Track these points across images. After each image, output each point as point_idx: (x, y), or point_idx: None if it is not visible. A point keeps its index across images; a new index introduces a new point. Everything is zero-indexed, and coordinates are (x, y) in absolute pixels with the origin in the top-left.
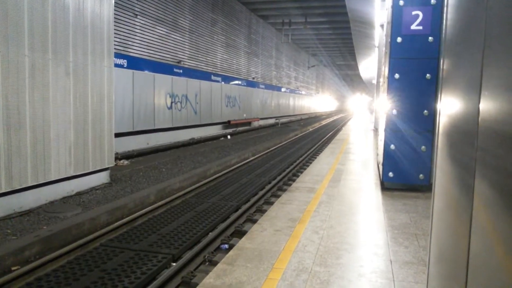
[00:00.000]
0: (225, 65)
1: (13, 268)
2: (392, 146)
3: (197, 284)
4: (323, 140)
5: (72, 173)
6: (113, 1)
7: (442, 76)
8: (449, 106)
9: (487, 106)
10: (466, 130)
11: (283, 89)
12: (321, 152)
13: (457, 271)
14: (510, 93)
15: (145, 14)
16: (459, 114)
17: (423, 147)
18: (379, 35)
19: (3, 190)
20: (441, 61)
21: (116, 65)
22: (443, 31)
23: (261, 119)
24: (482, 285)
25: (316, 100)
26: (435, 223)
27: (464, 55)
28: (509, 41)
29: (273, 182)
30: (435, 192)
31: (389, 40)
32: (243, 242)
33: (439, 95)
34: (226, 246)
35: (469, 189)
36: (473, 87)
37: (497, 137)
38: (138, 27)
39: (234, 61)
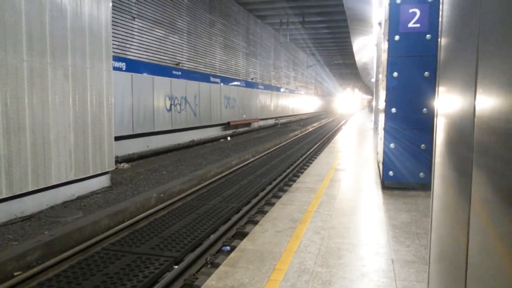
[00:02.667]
0: (223, 66)
1: (15, 274)
2: (392, 145)
3: (199, 287)
4: (323, 139)
5: (73, 177)
6: (111, 4)
7: (438, 74)
8: (446, 104)
9: (482, 103)
10: (463, 127)
11: (282, 89)
12: (321, 152)
13: (457, 269)
14: (505, 90)
15: (143, 17)
16: (455, 111)
17: (422, 145)
18: (377, 33)
19: (3, 196)
20: (438, 59)
21: (115, 68)
22: (439, 29)
23: (261, 119)
24: (481, 283)
25: (315, 100)
26: (435, 222)
27: (459, 52)
28: (503, 39)
29: (274, 183)
30: (434, 190)
31: (387, 38)
32: (244, 244)
33: (436, 93)
34: (228, 248)
35: (466, 187)
36: (468, 84)
37: (493, 134)
38: (136, 30)
39: (233, 62)
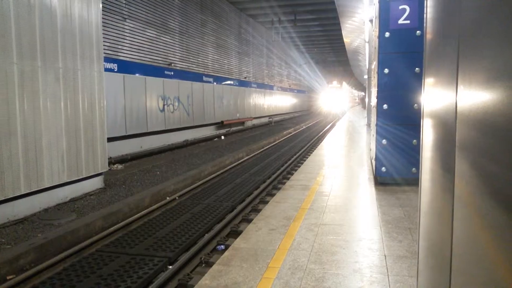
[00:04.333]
0: (216, 65)
1: (8, 277)
2: (384, 141)
3: (193, 286)
4: (317, 137)
5: (66, 180)
6: (101, 6)
7: (424, 70)
8: (431, 100)
9: (463, 99)
10: (446, 123)
11: (275, 88)
12: (315, 149)
13: (443, 262)
14: (484, 86)
15: (134, 17)
16: (439, 107)
17: (414, 140)
18: (369, 30)
19: None
20: (424, 55)
21: (107, 70)
22: (424, 25)
23: (255, 118)
24: (465, 274)
25: (309, 98)
26: (423, 217)
27: (441, 49)
28: (481, 36)
29: (268, 181)
30: (422, 185)
31: (378, 35)
32: (238, 242)
33: (422, 89)
34: (222, 246)
35: (450, 181)
36: (450, 80)
37: (474, 129)
38: (128, 31)
39: (225, 62)
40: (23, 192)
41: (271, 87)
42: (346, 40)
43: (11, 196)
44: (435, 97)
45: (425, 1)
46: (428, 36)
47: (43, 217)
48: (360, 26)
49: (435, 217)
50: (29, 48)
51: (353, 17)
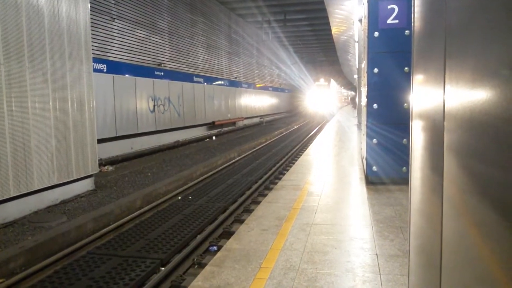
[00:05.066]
0: (207, 65)
1: None
2: (375, 140)
3: None
4: (308, 136)
5: (56, 182)
6: (89, 6)
7: (412, 70)
8: (419, 99)
9: (450, 98)
10: (434, 122)
11: (266, 88)
12: (306, 148)
13: (433, 260)
14: (470, 86)
15: (123, 18)
16: (427, 107)
17: (404, 140)
18: (358, 29)
19: None
20: (412, 54)
21: (96, 70)
22: (412, 25)
23: (246, 118)
24: (454, 273)
25: (300, 98)
26: (413, 215)
27: (429, 48)
28: (467, 35)
29: (260, 181)
30: (412, 184)
31: (367, 34)
32: (230, 243)
33: (411, 89)
34: (215, 247)
35: (438, 180)
36: (438, 80)
37: (460, 128)
38: (116, 31)
39: (216, 62)
40: (12, 195)
41: (262, 87)
42: (334, 32)
43: (1, 199)
44: (423, 96)
45: (412, 1)
46: (416, 35)
47: (33, 219)
48: (349, 17)
49: (425, 216)
50: (16, 49)
51: (342, 4)
